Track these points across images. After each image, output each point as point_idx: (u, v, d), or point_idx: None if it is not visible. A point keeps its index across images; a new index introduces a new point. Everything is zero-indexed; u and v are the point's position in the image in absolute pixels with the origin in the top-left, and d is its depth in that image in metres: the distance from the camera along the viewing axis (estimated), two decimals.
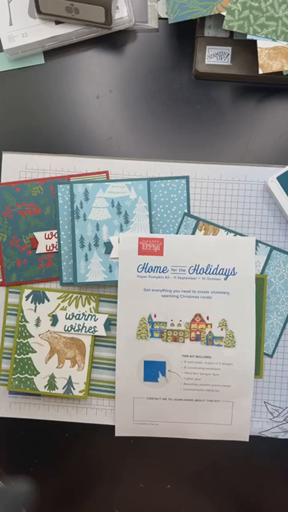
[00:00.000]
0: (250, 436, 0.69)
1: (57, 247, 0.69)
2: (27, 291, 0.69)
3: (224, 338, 0.67)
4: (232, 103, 0.70)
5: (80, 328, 0.68)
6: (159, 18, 0.70)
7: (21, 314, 0.69)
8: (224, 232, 0.69)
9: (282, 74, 0.65)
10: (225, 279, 0.67)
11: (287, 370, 0.69)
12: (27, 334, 0.69)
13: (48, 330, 0.69)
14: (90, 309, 0.69)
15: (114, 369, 0.69)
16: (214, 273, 0.67)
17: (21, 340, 0.69)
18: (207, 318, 0.67)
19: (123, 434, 0.69)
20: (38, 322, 0.69)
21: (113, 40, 0.70)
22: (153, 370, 0.68)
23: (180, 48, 0.70)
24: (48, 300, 0.69)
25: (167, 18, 0.68)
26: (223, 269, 0.67)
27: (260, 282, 0.68)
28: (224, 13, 0.65)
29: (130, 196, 0.68)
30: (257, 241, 0.68)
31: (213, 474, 0.70)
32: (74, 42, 0.69)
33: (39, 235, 0.69)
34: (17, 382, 0.69)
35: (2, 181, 0.69)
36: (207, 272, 0.67)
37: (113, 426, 0.69)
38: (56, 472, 0.70)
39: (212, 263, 0.67)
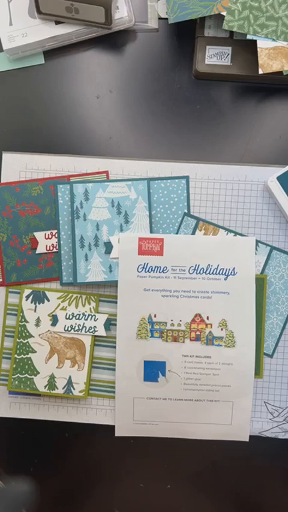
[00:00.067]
0: (250, 436, 0.69)
1: (57, 247, 0.69)
2: (27, 291, 0.69)
3: (224, 338, 0.67)
4: (232, 103, 0.70)
5: (80, 328, 0.68)
6: (159, 18, 0.70)
7: (21, 314, 0.69)
8: (224, 232, 0.69)
9: (282, 74, 0.65)
10: (225, 279, 0.67)
11: (287, 370, 0.69)
12: (27, 334, 0.69)
13: (48, 330, 0.69)
14: (90, 309, 0.69)
15: (114, 369, 0.69)
16: (214, 273, 0.67)
17: (21, 340, 0.69)
18: (207, 318, 0.67)
19: (123, 434, 0.69)
20: (38, 322, 0.69)
21: (113, 40, 0.70)
22: (153, 370, 0.68)
23: (180, 48, 0.70)
24: (48, 300, 0.69)
25: (167, 18, 0.68)
26: (223, 269, 0.67)
27: (260, 282, 0.68)
28: (224, 13, 0.65)
29: (130, 196, 0.68)
30: (257, 241, 0.68)
31: (213, 474, 0.70)
32: (74, 42, 0.69)
33: (39, 235, 0.69)
34: (17, 382, 0.69)
35: (2, 181, 0.69)
36: (207, 272, 0.67)
37: (113, 426, 0.69)
38: (56, 472, 0.70)
39: (212, 263, 0.67)
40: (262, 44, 0.65)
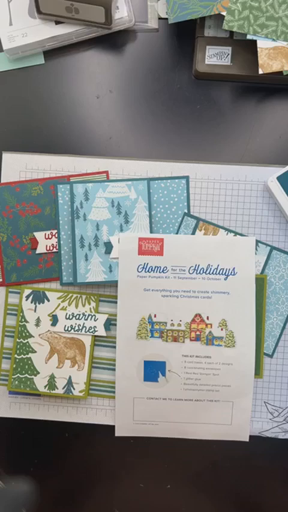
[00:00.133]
0: (250, 436, 0.69)
1: (57, 247, 0.69)
2: (27, 291, 0.69)
3: (224, 338, 0.67)
4: (232, 103, 0.70)
5: (80, 328, 0.68)
6: (159, 18, 0.70)
7: (21, 314, 0.69)
8: (224, 232, 0.69)
9: (282, 74, 0.65)
10: (225, 279, 0.67)
11: (287, 370, 0.69)
12: (27, 334, 0.69)
13: (48, 330, 0.69)
14: (90, 309, 0.69)
15: (114, 369, 0.69)
16: (214, 273, 0.67)
17: (21, 340, 0.69)
18: (207, 318, 0.67)
19: (123, 434, 0.69)
20: (38, 322, 0.69)
21: (113, 40, 0.70)
22: (153, 370, 0.68)
23: (180, 48, 0.70)
24: (48, 300, 0.69)
25: (167, 18, 0.68)
26: (223, 269, 0.67)
27: (260, 282, 0.68)
28: (224, 13, 0.65)
29: (130, 196, 0.68)
30: (257, 241, 0.68)
31: (213, 474, 0.70)
32: (74, 42, 0.69)
33: (39, 235, 0.69)
34: (17, 382, 0.69)
35: (2, 181, 0.69)
36: (207, 272, 0.67)
37: (113, 426, 0.69)
38: (56, 472, 0.70)
39: (212, 263, 0.67)
40: (262, 44, 0.65)
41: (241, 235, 0.68)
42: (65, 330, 0.68)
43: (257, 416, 0.69)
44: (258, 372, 0.68)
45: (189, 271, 0.67)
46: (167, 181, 0.69)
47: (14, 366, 0.69)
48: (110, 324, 0.69)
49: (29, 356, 0.69)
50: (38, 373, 0.68)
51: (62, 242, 0.68)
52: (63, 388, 0.68)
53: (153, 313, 0.67)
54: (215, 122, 0.70)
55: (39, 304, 0.69)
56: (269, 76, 0.66)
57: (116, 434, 0.69)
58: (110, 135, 0.70)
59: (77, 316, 0.68)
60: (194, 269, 0.67)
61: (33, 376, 0.69)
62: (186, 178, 0.69)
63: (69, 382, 0.68)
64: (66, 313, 0.69)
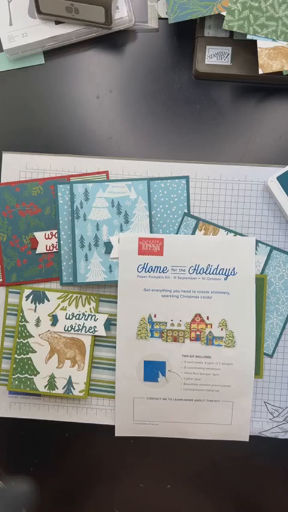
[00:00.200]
0: (250, 436, 0.69)
1: (57, 247, 0.69)
2: (27, 291, 0.69)
3: (224, 338, 0.67)
4: (232, 103, 0.70)
5: (80, 328, 0.68)
6: (159, 18, 0.70)
7: (21, 314, 0.69)
8: (224, 232, 0.69)
9: (282, 74, 0.65)
10: (225, 279, 0.67)
11: (287, 370, 0.69)
12: (27, 334, 0.69)
13: (48, 330, 0.69)
14: (90, 309, 0.69)
15: (114, 369, 0.69)
16: (214, 273, 0.67)
17: (21, 340, 0.69)
18: (207, 318, 0.67)
19: (123, 434, 0.69)
20: (38, 322, 0.69)
21: (113, 40, 0.70)
22: (153, 370, 0.68)
23: (180, 48, 0.70)
24: (48, 300, 0.69)
25: (167, 18, 0.68)
26: (223, 269, 0.67)
27: (260, 282, 0.68)
28: (224, 13, 0.65)
29: (130, 196, 0.68)
30: (257, 241, 0.68)
31: (213, 474, 0.70)
32: (74, 42, 0.69)
33: (39, 235, 0.69)
34: (17, 382, 0.69)
35: (2, 181, 0.69)
36: (207, 272, 0.67)
37: (113, 426, 0.69)
38: (56, 472, 0.70)
39: (212, 263, 0.67)
40: (262, 44, 0.65)
41: (241, 235, 0.68)
42: (65, 330, 0.68)
43: (257, 416, 0.69)
44: (258, 372, 0.68)
45: (189, 271, 0.67)
46: (167, 181, 0.69)
47: (14, 366, 0.69)
48: (110, 324, 0.69)
49: (29, 356, 0.69)
50: (38, 373, 0.68)
51: (62, 242, 0.68)
52: (63, 388, 0.68)
53: (153, 313, 0.67)
54: (215, 122, 0.70)
55: (39, 304, 0.69)
56: (269, 76, 0.66)
57: (116, 434, 0.69)
58: (110, 135, 0.70)
59: (77, 316, 0.69)
60: (194, 269, 0.67)
61: (33, 376, 0.69)
62: (186, 178, 0.69)
63: (69, 382, 0.68)
64: (66, 313, 0.69)
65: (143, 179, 0.68)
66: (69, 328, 0.68)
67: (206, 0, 0.65)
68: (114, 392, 0.69)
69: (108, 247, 0.68)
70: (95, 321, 0.68)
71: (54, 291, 0.69)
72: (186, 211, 0.69)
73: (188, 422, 0.68)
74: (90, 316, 0.68)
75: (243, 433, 0.68)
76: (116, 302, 0.68)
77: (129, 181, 0.68)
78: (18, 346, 0.69)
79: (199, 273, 0.67)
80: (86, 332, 0.68)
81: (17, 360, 0.69)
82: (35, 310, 0.69)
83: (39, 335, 0.69)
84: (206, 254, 0.67)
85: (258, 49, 0.65)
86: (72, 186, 0.68)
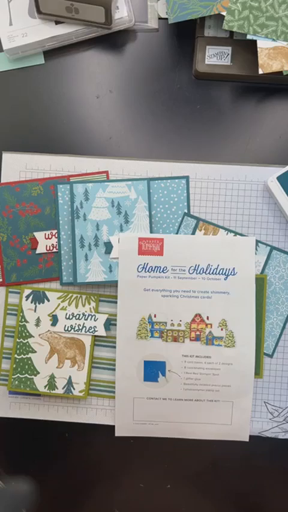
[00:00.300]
0: (250, 436, 0.69)
1: (57, 247, 0.69)
2: (27, 291, 0.69)
3: (224, 338, 0.67)
4: (232, 103, 0.70)
5: (80, 328, 0.68)
6: (159, 18, 0.70)
7: (21, 314, 0.69)
8: (224, 232, 0.69)
9: (282, 74, 0.65)
10: (225, 279, 0.67)
11: (287, 370, 0.69)
12: (27, 334, 0.69)
13: (48, 330, 0.69)
14: (90, 309, 0.69)
15: (114, 369, 0.69)
16: (214, 273, 0.67)
17: (21, 340, 0.69)
18: (207, 318, 0.67)
19: (123, 434, 0.69)
20: (38, 322, 0.69)
21: (113, 40, 0.70)
22: (153, 370, 0.68)
23: (180, 48, 0.70)
24: (48, 300, 0.69)
25: (167, 18, 0.68)
26: (223, 269, 0.67)
27: (260, 282, 0.68)
28: (224, 13, 0.65)
29: (130, 196, 0.68)
30: (257, 241, 0.68)
31: (213, 474, 0.70)
32: (74, 42, 0.69)
33: (39, 235, 0.69)
34: (17, 382, 0.69)
35: (2, 181, 0.69)
36: (207, 272, 0.67)
37: (113, 426, 0.69)
38: (56, 472, 0.70)
39: (212, 263, 0.67)
40: (262, 44, 0.65)
41: (241, 235, 0.68)
42: (65, 330, 0.68)
43: (257, 416, 0.69)
44: (258, 372, 0.68)
45: (189, 271, 0.67)
46: (167, 181, 0.69)
47: (14, 366, 0.69)
48: (110, 324, 0.69)
49: (29, 356, 0.69)
50: (38, 373, 0.68)
51: (62, 242, 0.68)
52: (63, 388, 0.68)
53: (153, 313, 0.67)
54: (215, 122, 0.70)
55: (39, 304, 0.69)
56: (269, 76, 0.66)
57: (116, 434, 0.69)
58: (110, 135, 0.70)
59: (77, 316, 0.69)
60: (194, 269, 0.67)
61: (33, 376, 0.69)
62: (186, 178, 0.69)
63: (69, 382, 0.68)
64: (66, 313, 0.69)
65: (143, 179, 0.68)
66: (69, 328, 0.68)
67: (206, 0, 0.65)
68: (114, 392, 0.69)
69: (108, 247, 0.68)
70: (95, 321, 0.68)
71: (54, 291, 0.69)
72: (186, 211, 0.69)
73: (188, 422, 0.68)
74: (90, 316, 0.68)
75: (243, 433, 0.68)
76: (116, 302, 0.68)
77: (129, 181, 0.68)
78: (18, 346, 0.69)
79: (199, 273, 0.67)
80: (86, 332, 0.68)
81: (17, 360, 0.69)
82: (35, 310, 0.69)
83: (39, 335, 0.69)
84: (206, 254, 0.67)
85: (258, 49, 0.65)
86: (72, 186, 0.68)
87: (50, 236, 0.69)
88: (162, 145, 0.69)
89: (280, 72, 0.65)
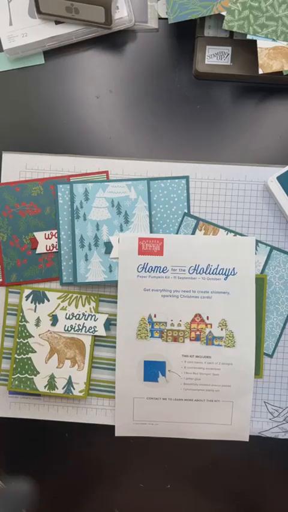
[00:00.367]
0: (250, 436, 0.69)
1: (57, 247, 0.69)
2: (27, 291, 0.69)
3: (224, 338, 0.67)
4: (232, 103, 0.70)
5: (80, 328, 0.68)
6: (159, 18, 0.70)
7: (21, 314, 0.69)
8: (224, 232, 0.69)
9: (282, 74, 0.65)
10: (225, 279, 0.67)
11: (287, 370, 0.69)
12: (27, 334, 0.69)
13: (48, 330, 0.69)
14: (90, 308, 0.69)
15: (114, 369, 0.68)
16: (214, 273, 0.67)
17: (21, 340, 0.69)
18: (207, 318, 0.67)
19: (123, 434, 0.69)
20: (38, 322, 0.69)
21: (113, 40, 0.70)
22: (153, 370, 0.68)
23: (180, 48, 0.70)
24: (48, 300, 0.69)
25: (167, 18, 0.68)
26: (223, 269, 0.67)
27: (260, 282, 0.68)
28: (224, 13, 0.65)
29: (130, 196, 0.68)
30: (257, 241, 0.68)
31: (213, 474, 0.70)
32: (74, 42, 0.69)
33: (39, 235, 0.69)
34: (17, 382, 0.69)
35: (2, 181, 0.69)
36: (207, 272, 0.67)
37: (113, 426, 0.69)
38: (56, 472, 0.70)
39: (212, 263, 0.67)
40: (262, 44, 0.65)
41: (241, 235, 0.68)
42: (65, 330, 0.68)
43: (257, 416, 0.69)
44: (258, 372, 0.68)
45: (189, 271, 0.67)
46: (167, 181, 0.69)
47: (14, 366, 0.69)
48: (110, 324, 0.69)
49: (29, 356, 0.69)
50: (38, 373, 0.68)
51: (62, 242, 0.68)
52: (63, 388, 0.68)
53: (153, 313, 0.67)
54: (215, 122, 0.70)
55: (39, 304, 0.69)
56: (269, 76, 0.66)
57: (116, 434, 0.69)
58: (110, 135, 0.70)
59: (77, 316, 0.69)
60: (194, 269, 0.67)
61: (33, 376, 0.69)
62: (186, 178, 0.69)
63: (69, 382, 0.68)
64: (66, 313, 0.69)
65: (143, 179, 0.68)
66: (69, 328, 0.68)
67: (206, 0, 0.65)
68: (114, 392, 0.69)
69: (108, 247, 0.68)
70: (95, 321, 0.68)
71: (54, 291, 0.69)
72: (186, 211, 0.69)
73: (188, 422, 0.68)
74: (90, 316, 0.68)
75: (243, 433, 0.68)
76: (116, 302, 0.68)
77: (129, 181, 0.68)
78: (18, 346, 0.69)
79: (199, 273, 0.67)
80: (86, 332, 0.68)
81: (17, 360, 0.69)
82: (35, 310, 0.69)
83: (39, 335, 0.69)
84: (206, 254, 0.67)
85: (258, 49, 0.65)
86: (72, 186, 0.68)
87: (50, 236, 0.69)
88: (162, 145, 0.69)
89: (280, 72, 0.65)
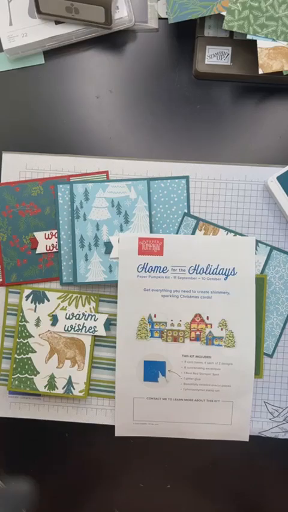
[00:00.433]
0: (250, 436, 0.69)
1: (57, 247, 0.69)
2: (27, 291, 0.69)
3: (224, 338, 0.67)
4: (232, 103, 0.70)
5: (80, 328, 0.68)
6: (159, 18, 0.70)
7: (21, 314, 0.69)
8: (224, 232, 0.69)
9: (282, 74, 0.65)
10: (225, 279, 0.67)
11: (287, 370, 0.69)
12: (27, 334, 0.69)
13: (48, 330, 0.69)
14: (90, 308, 0.69)
15: (114, 369, 0.68)
16: (214, 273, 0.67)
17: (21, 340, 0.69)
18: (207, 318, 0.67)
19: (123, 434, 0.69)
20: (38, 322, 0.69)
21: (113, 40, 0.70)
22: (153, 370, 0.68)
23: (180, 48, 0.70)
24: (48, 300, 0.69)
25: (167, 18, 0.68)
26: (223, 269, 0.67)
27: (260, 282, 0.68)
28: (224, 13, 0.65)
29: (130, 196, 0.68)
30: (257, 241, 0.68)
31: (213, 474, 0.70)
32: (74, 42, 0.69)
33: (39, 235, 0.69)
34: (17, 382, 0.69)
35: (2, 181, 0.69)
36: (207, 272, 0.67)
37: (113, 426, 0.69)
38: (56, 472, 0.70)
39: (212, 263, 0.67)
40: (262, 44, 0.65)
41: (241, 235, 0.68)
42: (65, 330, 0.68)
43: (257, 416, 0.69)
44: (258, 372, 0.68)
45: (189, 271, 0.67)
46: (167, 181, 0.69)
47: (14, 366, 0.69)
48: (110, 324, 0.69)
49: (29, 356, 0.69)
50: (38, 373, 0.68)
51: (62, 242, 0.68)
52: (63, 388, 0.68)
53: (153, 313, 0.67)
54: (215, 122, 0.70)
55: (39, 304, 0.69)
56: (269, 76, 0.66)
57: (116, 434, 0.69)
58: (110, 135, 0.70)
59: (77, 316, 0.69)
60: (194, 269, 0.67)
61: (33, 376, 0.69)
62: (186, 178, 0.69)
63: (69, 382, 0.68)
64: (66, 313, 0.69)
65: (143, 179, 0.68)
66: (69, 328, 0.68)
67: (206, 0, 0.65)
68: (114, 392, 0.69)
69: (108, 247, 0.68)
70: (95, 321, 0.68)
71: (54, 291, 0.69)
72: (186, 211, 0.69)
73: (188, 422, 0.68)
74: (90, 316, 0.68)
75: (243, 433, 0.68)
76: (116, 302, 0.68)
77: (129, 181, 0.68)
78: (18, 346, 0.69)
79: (199, 273, 0.67)
80: (86, 332, 0.68)
81: (17, 360, 0.69)
82: (35, 310, 0.69)
83: (39, 335, 0.69)
84: (206, 254, 0.67)
85: (258, 49, 0.65)
86: (72, 186, 0.68)
87: (50, 236, 0.69)
88: (162, 145, 0.69)
89: (280, 72, 0.65)
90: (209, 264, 0.67)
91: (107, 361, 0.69)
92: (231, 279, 0.67)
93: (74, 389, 0.68)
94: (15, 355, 0.69)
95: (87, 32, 0.69)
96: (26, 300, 0.69)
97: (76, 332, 0.68)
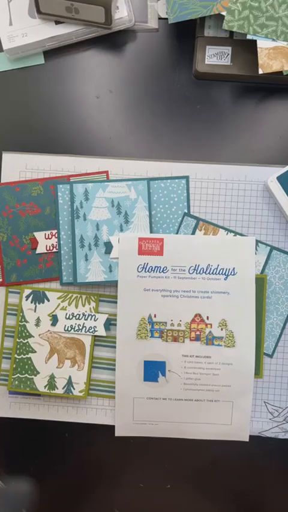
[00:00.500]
0: (250, 436, 0.69)
1: (57, 247, 0.69)
2: (27, 291, 0.69)
3: (224, 338, 0.67)
4: (232, 103, 0.70)
5: (80, 328, 0.68)
6: (159, 18, 0.70)
7: (21, 314, 0.69)
8: (224, 232, 0.69)
9: (282, 74, 0.65)
10: (225, 279, 0.67)
11: (287, 370, 0.69)
12: (27, 334, 0.69)
13: (48, 330, 0.69)
14: (90, 308, 0.69)
15: (114, 369, 0.68)
16: (214, 273, 0.67)
17: (21, 340, 0.69)
18: (207, 318, 0.67)
19: (123, 434, 0.69)
20: (38, 322, 0.69)
21: (113, 40, 0.70)
22: (153, 370, 0.68)
23: (180, 48, 0.70)
24: (48, 300, 0.69)
25: (167, 18, 0.68)
26: (223, 269, 0.67)
27: (260, 282, 0.68)
28: (224, 13, 0.65)
29: (130, 196, 0.68)
30: (257, 241, 0.68)
31: (213, 474, 0.70)
32: (74, 42, 0.69)
33: (39, 235, 0.69)
34: (17, 382, 0.69)
35: (2, 181, 0.69)
36: (207, 272, 0.67)
37: (113, 426, 0.69)
38: (56, 472, 0.70)
39: (212, 263, 0.67)
40: (262, 44, 0.65)
41: (241, 235, 0.68)
42: (65, 330, 0.68)
43: (257, 416, 0.69)
44: (258, 372, 0.68)
45: (189, 271, 0.67)
46: (167, 181, 0.69)
47: (14, 366, 0.69)
48: (110, 324, 0.69)
49: (29, 356, 0.69)
50: (38, 373, 0.68)
51: (62, 242, 0.68)
52: (63, 388, 0.68)
53: (153, 313, 0.67)
54: (215, 122, 0.70)
55: (39, 304, 0.69)
56: (269, 76, 0.66)
57: (116, 434, 0.69)
58: (110, 135, 0.70)
59: (77, 316, 0.69)
60: (194, 269, 0.67)
61: (33, 376, 0.69)
62: (186, 178, 0.69)
63: (69, 382, 0.68)
64: (66, 313, 0.69)
65: (143, 179, 0.68)
66: (69, 328, 0.68)
67: (206, 0, 0.65)
68: (114, 392, 0.69)
69: (108, 247, 0.68)
70: (95, 321, 0.68)
71: (54, 291, 0.69)
72: (186, 211, 0.69)
73: (188, 422, 0.68)
74: (90, 316, 0.68)
75: (243, 433, 0.68)
76: (116, 302, 0.68)
77: (129, 181, 0.68)
78: (18, 346, 0.69)
79: (199, 273, 0.67)
80: (86, 332, 0.68)
81: (17, 360, 0.69)
82: (35, 310, 0.69)
83: (39, 335, 0.69)
84: (206, 254, 0.67)
85: (258, 49, 0.65)
86: (72, 186, 0.68)
87: (50, 236, 0.69)
88: (162, 145, 0.69)
89: (280, 72, 0.65)
90: (209, 264, 0.67)
91: (107, 361, 0.69)
92: (231, 279, 0.67)
93: (74, 389, 0.68)
94: (15, 355, 0.69)
95: (87, 32, 0.69)
96: (26, 300, 0.69)
97: (76, 332, 0.68)
